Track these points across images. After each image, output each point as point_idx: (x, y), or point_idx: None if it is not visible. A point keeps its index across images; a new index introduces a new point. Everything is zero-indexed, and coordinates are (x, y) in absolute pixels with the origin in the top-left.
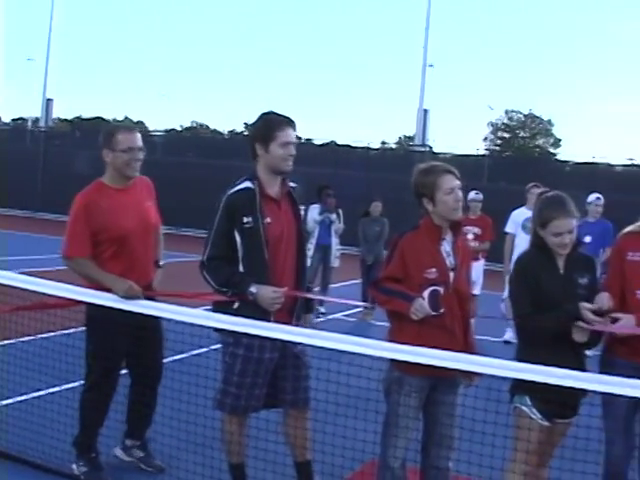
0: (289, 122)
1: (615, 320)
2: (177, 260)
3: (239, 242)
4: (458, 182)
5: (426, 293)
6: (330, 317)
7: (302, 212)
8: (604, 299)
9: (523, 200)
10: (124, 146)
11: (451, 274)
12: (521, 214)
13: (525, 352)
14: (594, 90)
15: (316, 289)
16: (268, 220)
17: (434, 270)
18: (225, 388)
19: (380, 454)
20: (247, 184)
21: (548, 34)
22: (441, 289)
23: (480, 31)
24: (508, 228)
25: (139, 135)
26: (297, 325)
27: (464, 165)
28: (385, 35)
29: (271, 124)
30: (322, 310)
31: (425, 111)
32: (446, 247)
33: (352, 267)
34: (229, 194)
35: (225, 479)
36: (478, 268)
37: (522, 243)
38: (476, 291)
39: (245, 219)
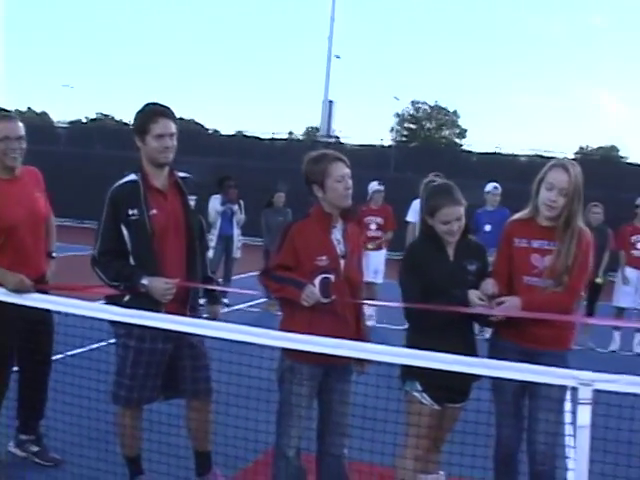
0: (164, 113)
1: (500, 304)
2: (78, 253)
3: (126, 235)
4: (348, 170)
5: (317, 280)
6: (234, 308)
7: (193, 202)
8: (489, 285)
9: None
10: (0, 135)
11: (342, 261)
12: None
13: (415, 338)
14: (499, 82)
15: (219, 280)
16: (154, 212)
17: (324, 257)
18: (119, 380)
19: (275, 443)
20: (132, 177)
21: (454, 26)
22: (332, 276)
23: (387, 22)
24: (409, 217)
25: (18, 124)
26: (192, 316)
27: (371, 156)
28: (292, 26)
29: (145, 116)
30: (226, 301)
31: (330, 102)
32: (337, 235)
33: (256, 258)
34: (113, 188)
35: (121, 472)
36: (380, 257)
37: None
38: (379, 280)
39: (130, 212)
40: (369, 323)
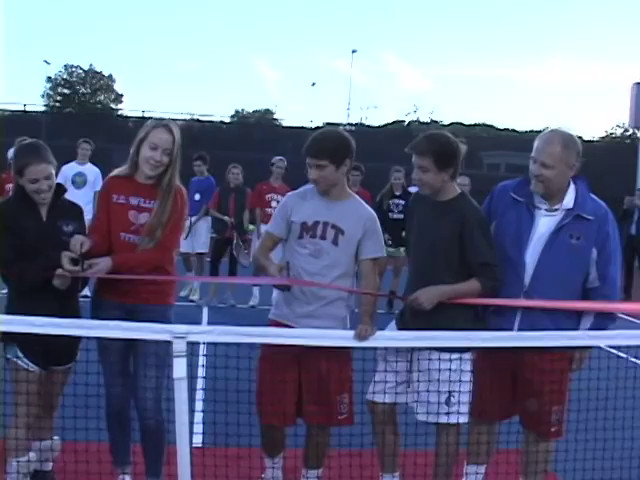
0: None
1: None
2: None
3: None
4: None
5: None
6: None
7: None
8: (77, 243)
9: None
10: None
11: None
12: (71, 169)
13: (13, 302)
14: (159, 47)
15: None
16: None
17: None
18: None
19: None
20: None
21: None
22: None
23: None
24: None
25: None
26: None
27: (20, 121)
28: None
29: None
30: None
31: None
32: None
33: None
34: None
35: None
36: None
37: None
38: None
39: None
40: None
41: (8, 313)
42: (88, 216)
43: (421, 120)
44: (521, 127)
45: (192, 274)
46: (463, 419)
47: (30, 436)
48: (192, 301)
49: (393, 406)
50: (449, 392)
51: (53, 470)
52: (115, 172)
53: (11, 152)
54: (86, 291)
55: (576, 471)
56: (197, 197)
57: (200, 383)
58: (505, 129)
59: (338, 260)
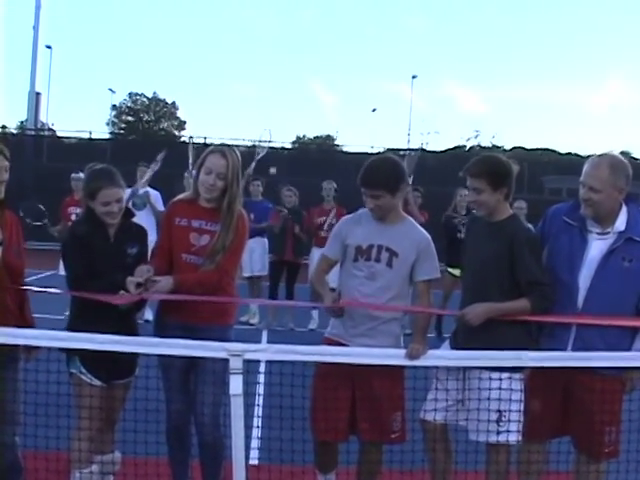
0: None
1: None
2: None
3: None
4: (7, 163)
5: None
6: None
7: None
8: (143, 270)
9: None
10: None
11: None
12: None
13: (77, 320)
14: (214, 71)
15: None
16: None
17: None
18: None
19: None
20: None
21: (168, 20)
22: None
23: (99, 12)
24: None
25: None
26: None
27: (86, 149)
28: None
29: None
30: None
31: (37, 94)
32: None
33: None
34: None
35: None
36: None
37: None
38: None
39: None
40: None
41: (70, 330)
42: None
43: (482, 145)
44: (583, 151)
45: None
46: (514, 438)
47: (92, 449)
48: (252, 324)
49: (445, 425)
50: (499, 411)
51: None
52: (179, 197)
53: (74, 177)
54: (148, 315)
55: None
56: (251, 217)
57: (258, 400)
58: (567, 153)
59: (392, 282)
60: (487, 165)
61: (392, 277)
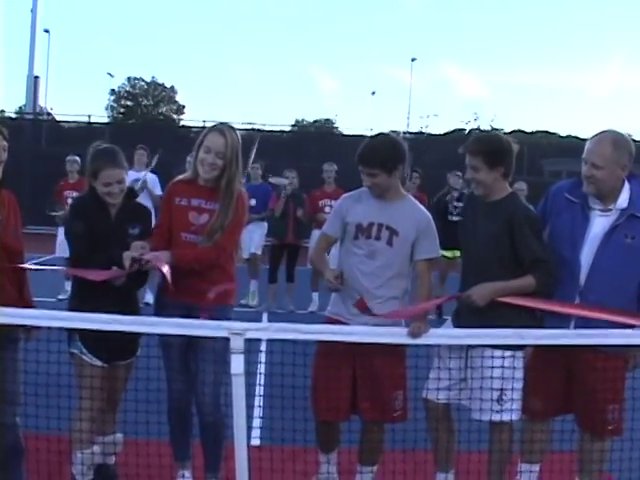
0: None
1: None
2: None
3: None
4: (5, 143)
5: None
6: None
7: None
8: (137, 247)
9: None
10: None
11: None
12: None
13: (77, 300)
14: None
15: None
16: None
17: None
18: None
19: None
20: None
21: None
22: None
23: None
24: None
25: None
26: None
27: (85, 133)
28: None
29: None
30: None
31: (36, 78)
32: None
33: None
34: None
35: None
36: None
37: None
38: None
39: None
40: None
41: (71, 309)
42: None
43: (481, 128)
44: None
45: (255, 281)
46: (515, 416)
47: (94, 430)
48: (251, 307)
49: (448, 404)
50: (501, 390)
51: (116, 464)
52: (179, 177)
53: (69, 159)
54: (148, 298)
55: (632, 471)
56: (253, 202)
57: (259, 379)
58: (567, 136)
59: (392, 261)
60: (484, 143)
61: (392, 255)
